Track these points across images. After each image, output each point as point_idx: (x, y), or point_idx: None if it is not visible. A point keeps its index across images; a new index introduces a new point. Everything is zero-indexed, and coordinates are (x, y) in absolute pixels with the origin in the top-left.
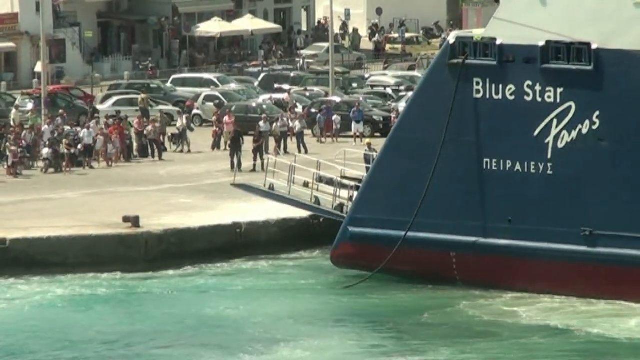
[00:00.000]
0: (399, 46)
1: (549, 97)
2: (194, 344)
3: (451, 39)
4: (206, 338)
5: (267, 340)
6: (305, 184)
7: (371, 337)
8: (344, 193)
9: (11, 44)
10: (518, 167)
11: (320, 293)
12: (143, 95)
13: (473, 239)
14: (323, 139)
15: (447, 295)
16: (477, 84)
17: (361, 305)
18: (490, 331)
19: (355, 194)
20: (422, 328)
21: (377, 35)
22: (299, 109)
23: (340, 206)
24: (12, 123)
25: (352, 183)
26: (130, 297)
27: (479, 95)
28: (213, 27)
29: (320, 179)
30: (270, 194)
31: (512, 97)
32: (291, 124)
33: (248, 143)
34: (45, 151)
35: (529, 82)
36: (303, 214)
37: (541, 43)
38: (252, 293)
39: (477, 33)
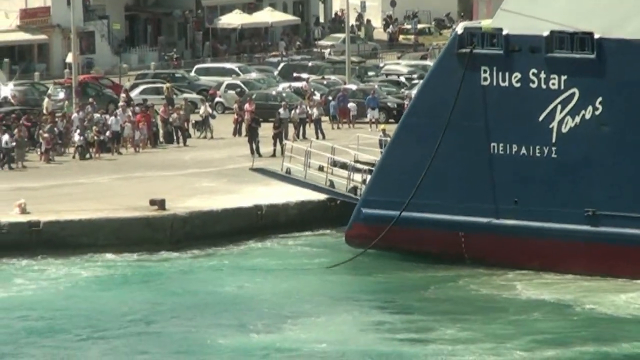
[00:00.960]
0: (412, 37)
1: (553, 84)
2: (212, 320)
3: (459, 29)
4: (225, 315)
5: (279, 316)
6: (320, 168)
7: (377, 314)
8: (357, 176)
9: (44, 36)
10: (524, 150)
11: (334, 272)
12: (168, 85)
13: (481, 219)
14: (337, 125)
15: (453, 272)
16: (485, 72)
17: (371, 282)
18: (494, 307)
19: (368, 177)
20: (428, 304)
21: (391, 26)
22: (317, 96)
23: (354, 189)
24: (44, 111)
25: (365, 167)
26: (155, 276)
27: (486, 83)
28: (234, 19)
29: (335, 163)
30: (287, 177)
31: (518, 85)
32: (309, 111)
33: (268, 130)
34: (77, 138)
35: (534, 70)
36: (321, 196)
37: (546, 33)
38: (270, 272)
39: (485, 24)
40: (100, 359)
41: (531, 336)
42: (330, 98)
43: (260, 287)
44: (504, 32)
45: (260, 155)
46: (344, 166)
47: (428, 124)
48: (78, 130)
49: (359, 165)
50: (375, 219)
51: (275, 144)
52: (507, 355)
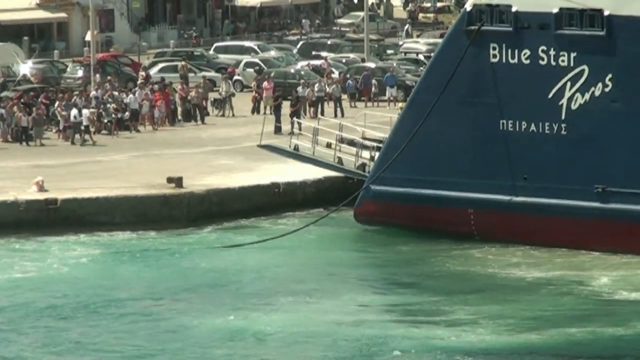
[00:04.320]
0: (431, 15)
1: (562, 61)
2: (211, 298)
3: (468, 6)
4: (224, 293)
5: (279, 294)
6: (328, 145)
7: (381, 293)
8: (366, 154)
9: (63, 14)
10: (533, 127)
11: (343, 248)
12: (183, 63)
13: (490, 196)
14: (354, 103)
15: (459, 249)
16: (494, 49)
17: (377, 259)
18: (498, 285)
19: (377, 154)
20: (431, 281)
21: (410, 4)
22: (335, 74)
23: (363, 165)
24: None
25: (374, 144)
26: (172, 253)
27: (495, 60)
28: None
29: (342, 140)
30: (295, 154)
31: (527, 62)
32: (328, 89)
33: (285, 107)
34: (74, 112)
35: (544, 47)
36: (339, 175)
37: (555, 10)
38: (283, 248)
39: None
40: (100, 336)
41: (538, 315)
42: (347, 76)
43: (271, 262)
44: (513, 9)
45: (281, 133)
46: (351, 143)
47: (437, 100)
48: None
49: (367, 143)
50: (384, 196)
51: (292, 122)
52: (507, 335)
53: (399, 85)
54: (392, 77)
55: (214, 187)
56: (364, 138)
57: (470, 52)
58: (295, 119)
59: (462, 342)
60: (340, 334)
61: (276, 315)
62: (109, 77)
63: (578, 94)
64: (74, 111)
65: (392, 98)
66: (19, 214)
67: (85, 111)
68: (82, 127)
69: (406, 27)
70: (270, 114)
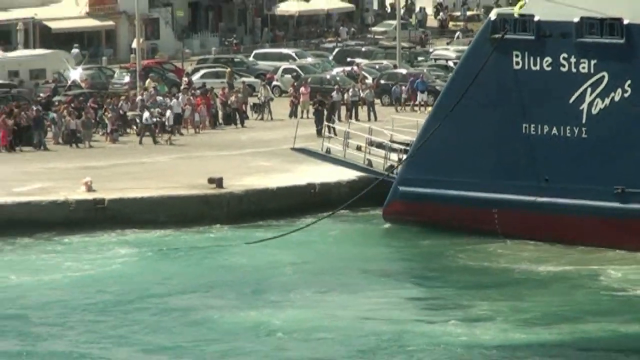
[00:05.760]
0: (461, 23)
1: (583, 68)
2: (246, 294)
3: (492, 15)
4: (253, 288)
5: (312, 287)
6: (358, 148)
7: (408, 287)
8: (394, 156)
9: (111, 23)
10: (555, 131)
11: (366, 244)
12: (229, 69)
13: (514, 196)
14: (400, 108)
15: (482, 244)
16: (517, 56)
17: (404, 255)
18: (520, 279)
19: (404, 156)
20: (457, 276)
21: (441, 13)
22: (369, 80)
23: (391, 167)
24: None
25: (401, 146)
26: (211, 251)
27: (518, 67)
28: (292, 6)
29: (371, 143)
30: (326, 156)
31: (549, 68)
32: (362, 94)
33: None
34: (147, 114)
35: (565, 55)
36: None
37: (576, 19)
38: (309, 244)
39: (520, 4)
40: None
41: (555, 309)
42: (382, 82)
43: (304, 258)
44: (536, 19)
45: (324, 136)
46: (380, 146)
47: (462, 105)
48: (146, 114)
49: (395, 145)
50: (411, 196)
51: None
52: (525, 329)
53: (430, 91)
54: (423, 82)
55: (253, 187)
56: (392, 141)
57: (494, 59)
58: (327, 123)
59: (481, 336)
60: (362, 328)
61: (300, 310)
62: (148, 80)
63: (598, 99)
64: (146, 113)
65: (422, 103)
66: (69, 213)
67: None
68: (168, 127)
69: (457, 34)
70: (308, 117)
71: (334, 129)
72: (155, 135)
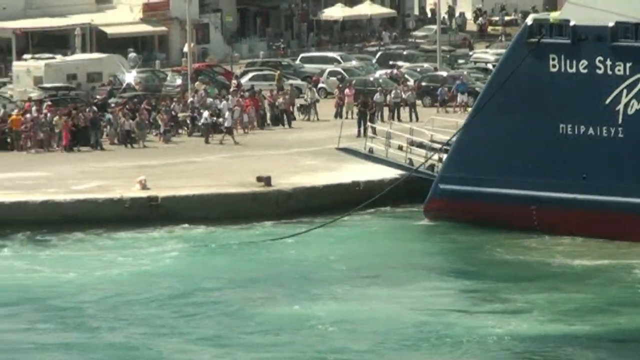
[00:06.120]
0: (500, 28)
1: (618, 70)
2: (293, 287)
3: (529, 20)
4: (300, 282)
5: (352, 281)
6: (400, 148)
7: (441, 276)
8: (434, 155)
9: (163, 28)
10: (591, 131)
11: (412, 240)
12: (279, 72)
13: (552, 194)
14: (441, 109)
15: (521, 239)
16: (553, 59)
17: (445, 249)
18: (558, 273)
19: (444, 155)
20: (497, 269)
21: (480, 18)
22: (411, 82)
23: (431, 166)
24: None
25: (442, 146)
26: (259, 246)
27: (555, 70)
28: (337, 12)
29: (412, 143)
30: (369, 156)
31: (585, 71)
32: (403, 96)
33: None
34: (206, 114)
35: (600, 58)
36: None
37: (611, 24)
38: (359, 239)
39: (553, 15)
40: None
41: (591, 303)
42: (424, 84)
43: (348, 252)
44: (571, 23)
45: (366, 136)
46: (420, 145)
47: (500, 106)
48: (205, 113)
49: (435, 145)
50: (451, 194)
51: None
52: (560, 322)
53: (470, 92)
54: (463, 84)
55: (300, 185)
56: (433, 141)
57: (530, 62)
58: (370, 123)
59: (518, 328)
60: (402, 320)
61: (342, 303)
62: (197, 82)
63: (634, 100)
64: (206, 113)
65: (462, 104)
66: (124, 210)
67: (227, 113)
68: (224, 128)
69: (500, 37)
70: (352, 118)
71: (374, 129)
72: (209, 135)
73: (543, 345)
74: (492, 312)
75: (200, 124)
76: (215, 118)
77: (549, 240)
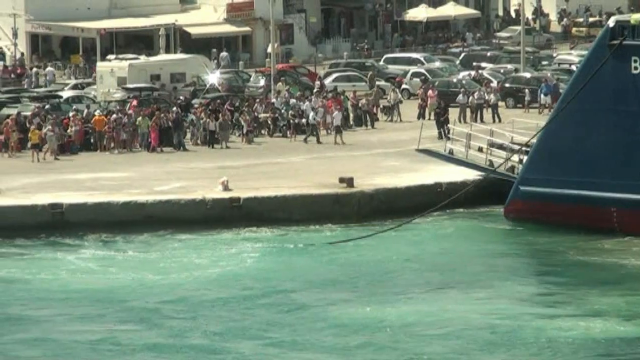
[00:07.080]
0: (584, 29)
1: None
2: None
3: (611, 22)
4: (375, 284)
5: (426, 285)
6: (479, 149)
7: (516, 278)
8: (515, 157)
9: (247, 28)
10: None
11: (490, 242)
12: (371, 73)
13: (632, 196)
14: (528, 110)
15: (600, 241)
16: (635, 61)
17: (526, 252)
18: (630, 274)
19: (525, 157)
20: (573, 271)
21: (564, 19)
22: (494, 83)
23: (512, 168)
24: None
25: (522, 147)
26: (340, 247)
27: (636, 72)
28: (421, 12)
29: (492, 145)
30: (449, 157)
31: None
32: (486, 97)
33: (452, 113)
34: (312, 114)
35: None
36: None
37: None
38: (436, 241)
39: (635, 17)
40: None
41: None
42: (507, 85)
43: (417, 257)
44: None
45: (449, 138)
46: (501, 147)
47: (582, 108)
48: (312, 114)
49: (515, 147)
50: (532, 196)
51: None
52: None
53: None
54: (548, 86)
55: (382, 186)
56: (513, 142)
57: (612, 64)
58: (448, 126)
59: (594, 330)
60: (477, 322)
61: (416, 305)
62: (279, 83)
63: None
64: (312, 113)
65: (546, 105)
66: (206, 211)
67: (312, 114)
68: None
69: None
70: (429, 119)
71: (449, 131)
72: (319, 135)
73: (617, 347)
74: (567, 315)
75: (281, 124)
76: (297, 119)
77: (627, 242)
